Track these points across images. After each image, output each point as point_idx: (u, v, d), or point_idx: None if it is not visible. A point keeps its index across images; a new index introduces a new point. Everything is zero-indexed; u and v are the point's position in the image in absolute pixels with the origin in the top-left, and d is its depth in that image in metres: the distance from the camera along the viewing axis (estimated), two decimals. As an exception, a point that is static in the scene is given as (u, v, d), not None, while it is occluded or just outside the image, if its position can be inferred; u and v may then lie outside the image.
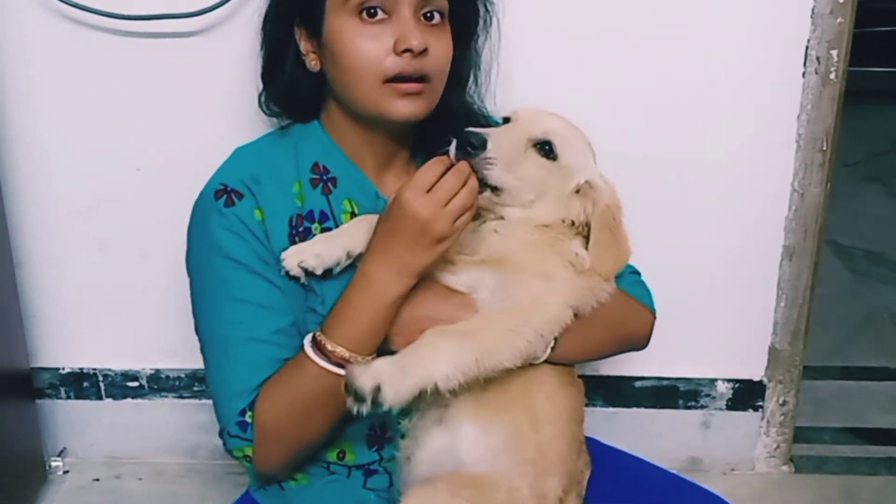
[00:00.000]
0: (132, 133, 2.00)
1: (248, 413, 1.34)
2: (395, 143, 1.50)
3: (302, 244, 1.38)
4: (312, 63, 1.44)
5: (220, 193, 1.38)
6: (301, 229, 1.42)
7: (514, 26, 1.62)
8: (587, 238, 1.39)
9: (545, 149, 1.35)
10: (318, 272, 1.35)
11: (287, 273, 1.36)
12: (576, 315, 1.37)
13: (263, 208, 1.39)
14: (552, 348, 1.35)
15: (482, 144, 1.28)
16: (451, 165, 1.28)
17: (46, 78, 1.97)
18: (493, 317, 1.32)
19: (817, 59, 1.94)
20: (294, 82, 1.47)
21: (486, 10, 1.55)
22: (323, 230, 1.43)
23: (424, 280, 1.33)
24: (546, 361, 1.36)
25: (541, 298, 1.33)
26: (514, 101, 1.65)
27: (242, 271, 1.37)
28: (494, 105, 1.65)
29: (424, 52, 1.35)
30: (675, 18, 1.92)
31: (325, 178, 1.46)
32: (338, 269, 1.37)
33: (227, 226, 1.38)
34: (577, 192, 1.39)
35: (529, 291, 1.33)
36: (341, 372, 1.27)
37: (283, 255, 1.36)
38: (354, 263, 1.37)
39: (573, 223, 1.39)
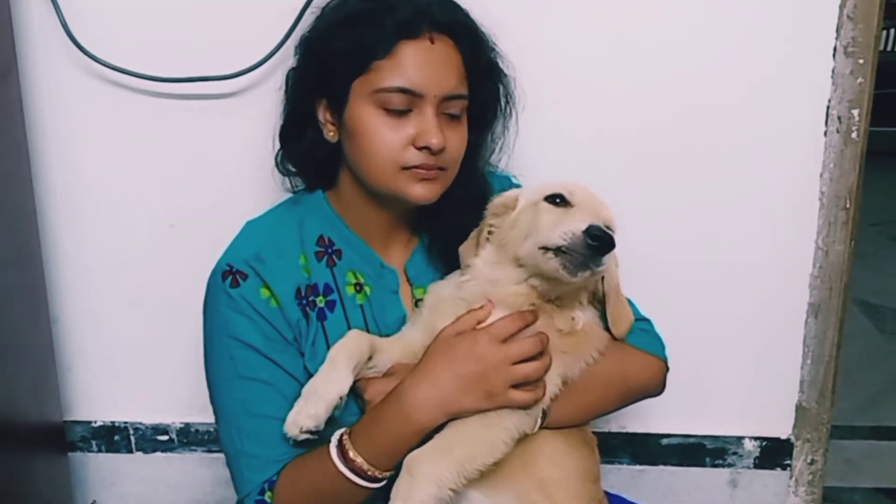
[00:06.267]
0: (167, 191, 2.05)
1: (269, 493, 1.38)
2: (402, 215, 1.53)
3: (294, 411, 1.35)
4: (330, 134, 1.46)
5: (227, 275, 1.42)
6: (309, 300, 1.45)
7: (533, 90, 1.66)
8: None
9: None
10: (322, 427, 1.34)
11: (296, 441, 1.36)
12: (565, 382, 1.37)
13: (270, 284, 1.42)
14: (544, 417, 1.36)
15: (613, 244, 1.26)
16: (533, 321, 1.29)
17: (85, 137, 2.03)
18: (463, 420, 1.30)
19: (838, 118, 1.96)
20: (311, 147, 1.50)
21: (507, 101, 1.57)
22: (327, 303, 1.46)
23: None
24: (546, 427, 1.36)
25: None
26: (530, 159, 1.69)
27: (248, 350, 1.41)
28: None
29: (442, 149, 1.38)
30: (698, 78, 1.95)
31: (329, 250, 1.49)
32: (339, 412, 1.35)
33: (233, 306, 1.41)
34: None
35: None
36: (358, 481, 1.30)
37: (284, 428, 1.34)
38: None
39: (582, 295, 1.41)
